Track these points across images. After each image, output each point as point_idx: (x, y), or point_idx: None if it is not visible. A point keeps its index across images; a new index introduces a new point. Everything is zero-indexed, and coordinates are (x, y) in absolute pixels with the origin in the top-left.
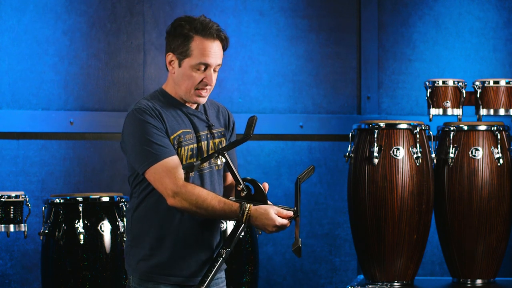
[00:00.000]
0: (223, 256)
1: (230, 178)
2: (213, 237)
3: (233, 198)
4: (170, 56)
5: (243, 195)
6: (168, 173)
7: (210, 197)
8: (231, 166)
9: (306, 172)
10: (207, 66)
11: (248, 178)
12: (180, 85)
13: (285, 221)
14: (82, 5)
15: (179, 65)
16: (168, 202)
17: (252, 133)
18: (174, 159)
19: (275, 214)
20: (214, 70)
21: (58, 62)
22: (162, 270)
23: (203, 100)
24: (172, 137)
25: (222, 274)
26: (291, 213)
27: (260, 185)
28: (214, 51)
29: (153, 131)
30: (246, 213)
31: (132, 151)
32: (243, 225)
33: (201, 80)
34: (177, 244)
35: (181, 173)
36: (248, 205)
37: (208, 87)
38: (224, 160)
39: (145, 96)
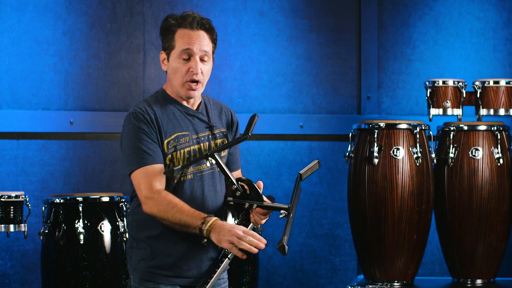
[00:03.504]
0: (228, 256)
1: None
2: None
3: (230, 198)
4: (163, 55)
5: (238, 194)
6: (145, 179)
7: (180, 206)
8: (222, 168)
9: (309, 167)
10: (190, 54)
11: (243, 178)
12: (172, 80)
13: (243, 235)
14: (82, 5)
15: (168, 60)
16: (142, 208)
17: (250, 133)
18: (156, 167)
19: (242, 228)
20: (202, 60)
21: (58, 62)
22: (162, 271)
23: (194, 94)
24: (166, 140)
25: (224, 275)
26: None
27: (255, 184)
28: (197, 39)
29: (143, 137)
30: (211, 223)
31: (123, 153)
32: (250, 224)
33: (188, 70)
34: (177, 245)
35: (159, 180)
36: (214, 218)
37: (196, 77)
38: (214, 162)
39: (146, 98)
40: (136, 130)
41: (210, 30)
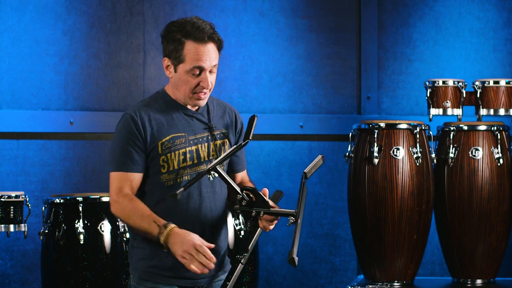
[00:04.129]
0: (242, 261)
1: (238, 178)
2: (213, 240)
3: (237, 206)
4: (166, 61)
5: (244, 203)
6: (117, 183)
7: (142, 212)
8: (226, 179)
9: (313, 164)
10: (201, 69)
11: (248, 187)
12: (179, 89)
13: (204, 248)
14: (82, 5)
15: (175, 71)
16: (110, 209)
17: (251, 137)
18: (132, 175)
19: (198, 239)
20: (211, 72)
21: (58, 62)
22: (161, 271)
23: (202, 103)
24: (160, 142)
25: (225, 275)
26: (212, 246)
27: (260, 192)
28: (207, 54)
29: (127, 146)
30: (166, 233)
31: (108, 151)
32: (259, 229)
33: (198, 84)
34: None
35: (130, 187)
36: (170, 228)
37: (205, 90)
38: (216, 175)
39: (145, 98)
40: (123, 136)
41: (218, 41)
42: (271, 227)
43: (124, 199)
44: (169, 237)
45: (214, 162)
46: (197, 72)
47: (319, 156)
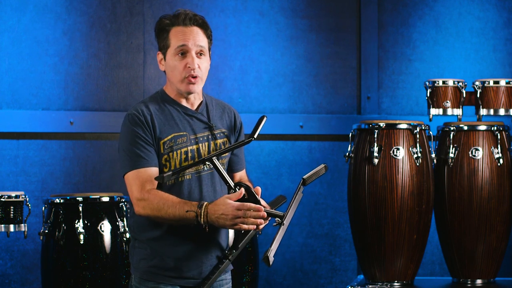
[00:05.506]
0: (229, 258)
1: (237, 178)
2: (214, 239)
3: None
4: (159, 55)
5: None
6: (137, 181)
7: (172, 199)
8: (221, 172)
9: (315, 172)
10: (186, 50)
11: (242, 184)
12: (171, 78)
13: (236, 203)
14: (82, 5)
15: (165, 59)
16: (135, 211)
17: (255, 136)
18: (149, 170)
19: (228, 199)
20: (200, 54)
21: (58, 62)
22: (162, 271)
23: (194, 88)
24: (162, 141)
25: (227, 275)
26: (239, 193)
27: (253, 190)
28: (191, 34)
29: (137, 141)
30: (204, 206)
31: (119, 154)
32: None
33: (185, 67)
34: (177, 247)
35: (151, 183)
36: (205, 203)
37: (193, 72)
38: (212, 166)
39: (144, 99)
40: (131, 133)
41: (203, 26)
42: (261, 226)
43: (149, 195)
44: (209, 216)
45: (213, 153)
46: (182, 52)
47: (322, 165)
